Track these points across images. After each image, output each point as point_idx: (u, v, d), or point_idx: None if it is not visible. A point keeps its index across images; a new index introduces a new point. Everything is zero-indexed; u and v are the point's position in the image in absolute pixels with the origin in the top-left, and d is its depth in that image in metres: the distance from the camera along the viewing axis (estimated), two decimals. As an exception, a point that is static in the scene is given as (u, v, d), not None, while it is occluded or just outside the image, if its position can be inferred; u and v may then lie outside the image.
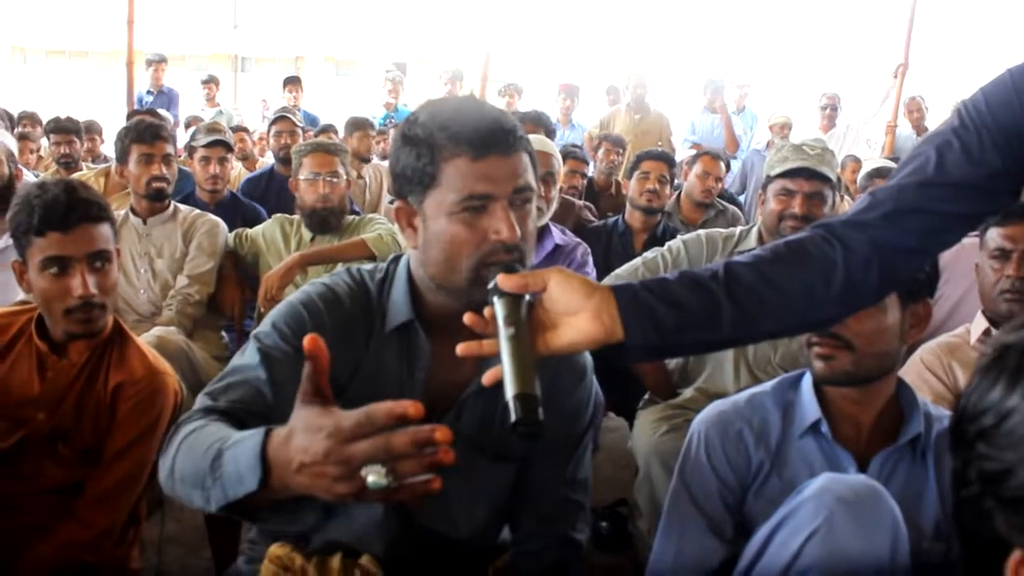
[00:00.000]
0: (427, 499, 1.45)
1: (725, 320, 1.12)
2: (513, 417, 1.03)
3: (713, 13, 10.22)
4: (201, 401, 1.27)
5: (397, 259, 1.45)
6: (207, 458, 1.07)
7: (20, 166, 3.32)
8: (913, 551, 1.44)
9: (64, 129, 4.81)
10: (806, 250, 1.16)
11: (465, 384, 1.43)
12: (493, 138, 1.24)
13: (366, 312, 1.41)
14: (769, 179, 2.64)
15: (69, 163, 4.65)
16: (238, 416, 1.23)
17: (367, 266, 1.48)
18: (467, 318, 1.13)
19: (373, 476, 0.91)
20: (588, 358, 1.53)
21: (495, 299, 1.12)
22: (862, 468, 1.58)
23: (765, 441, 1.62)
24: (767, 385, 1.70)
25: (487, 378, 1.11)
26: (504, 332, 1.09)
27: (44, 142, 5.59)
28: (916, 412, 1.61)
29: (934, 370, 2.17)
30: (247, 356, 1.33)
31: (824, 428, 1.60)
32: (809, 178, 2.54)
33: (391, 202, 1.37)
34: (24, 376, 1.89)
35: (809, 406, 1.62)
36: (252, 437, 1.02)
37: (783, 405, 1.65)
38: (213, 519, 2.57)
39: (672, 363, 2.71)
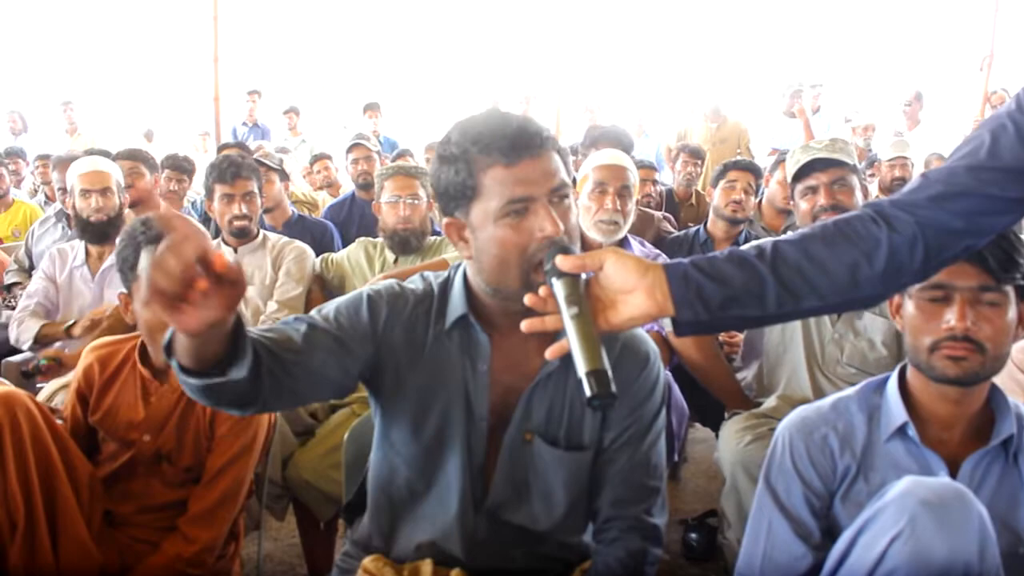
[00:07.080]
0: (507, 494, 1.50)
1: (770, 297, 1.15)
2: (588, 393, 1.09)
3: (788, 12, 10.04)
4: None
5: (459, 266, 1.53)
6: None
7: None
8: (1009, 554, 1.41)
9: (179, 167, 4.93)
10: (853, 228, 1.17)
11: (530, 379, 1.49)
12: (521, 143, 1.32)
13: (429, 310, 1.50)
14: (792, 187, 2.72)
15: (174, 199, 4.84)
16: (262, 344, 1.27)
17: (435, 272, 1.57)
18: (527, 299, 1.20)
19: None
20: (652, 345, 1.58)
21: (553, 280, 1.18)
22: (952, 471, 1.55)
23: (851, 446, 1.60)
24: (851, 390, 1.68)
25: (551, 352, 1.17)
26: (567, 311, 1.14)
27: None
28: (1008, 413, 1.57)
29: (1026, 370, 2.11)
30: (303, 315, 1.44)
31: (911, 431, 1.57)
32: (824, 168, 2.63)
33: None
34: (130, 401, 2.01)
35: (896, 409, 1.59)
36: None
37: (868, 409, 1.63)
38: (308, 537, 2.66)
39: (751, 374, 2.69)
